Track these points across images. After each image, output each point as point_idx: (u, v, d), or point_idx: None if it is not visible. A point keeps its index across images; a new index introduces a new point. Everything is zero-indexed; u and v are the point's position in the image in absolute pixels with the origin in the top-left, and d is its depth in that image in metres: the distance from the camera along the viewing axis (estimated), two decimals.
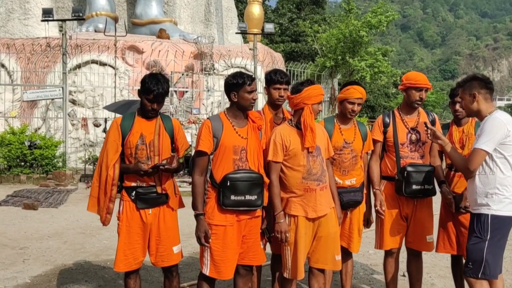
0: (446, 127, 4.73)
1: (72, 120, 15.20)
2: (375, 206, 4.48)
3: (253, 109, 4.00)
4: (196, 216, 3.77)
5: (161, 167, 3.84)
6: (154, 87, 3.82)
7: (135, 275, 4.03)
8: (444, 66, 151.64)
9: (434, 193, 4.54)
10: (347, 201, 4.32)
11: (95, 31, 17.45)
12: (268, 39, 33.22)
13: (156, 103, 3.90)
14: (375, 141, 4.58)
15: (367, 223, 4.57)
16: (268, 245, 4.27)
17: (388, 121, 4.55)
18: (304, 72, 20.39)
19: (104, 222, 3.99)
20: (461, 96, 3.93)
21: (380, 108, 37.32)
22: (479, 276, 3.67)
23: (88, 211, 4.06)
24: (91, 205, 4.01)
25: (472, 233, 3.75)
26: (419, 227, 4.49)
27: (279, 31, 34.79)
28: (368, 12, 27.41)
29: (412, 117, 4.54)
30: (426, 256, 6.22)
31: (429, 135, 4.11)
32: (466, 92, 3.84)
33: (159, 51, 16.21)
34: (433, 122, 4.55)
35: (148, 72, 4.09)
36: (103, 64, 15.63)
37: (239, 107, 3.85)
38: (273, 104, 4.33)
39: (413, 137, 4.47)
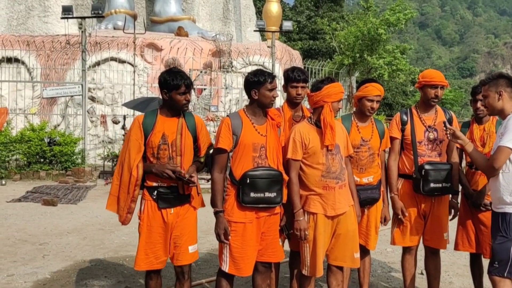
0: (467, 125, 4.71)
1: (91, 117, 15.32)
2: (397, 214, 4.49)
3: (272, 107, 4.00)
4: (216, 213, 3.79)
5: (184, 179, 3.76)
6: (181, 79, 3.77)
7: (157, 276, 3.96)
8: (462, 64, 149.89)
9: (452, 191, 4.52)
10: (364, 198, 4.31)
11: (114, 28, 17.58)
12: (286, 36, 33.15)
13: (189, 94, 3.85)
14: (393, 139, 4.56)
15: (384, 220, 4.56)
16: (286, 242, 4.28)
17: (405, 118, 4.54)
18: (322, 69, 20.32)
19: (124, 222, 3.89)
20: (485, 94, 3.88)
21: (398, 106, 37.05)
22: (505, 275, 3.66)
23: (107, 209, 3.99)
24: (110, 204, 3.94)
25: (498, 232, 3.72)
26: (436, 225, 4.49)
27: (297, 28, 34.67)
28: (387, 10, 27.21)
29: (430, 115, 4.52)
30: (444, 254, 6.18)
31: (448, 135, 4.08)
32: (492, 90, 3.80)
33: (178, 48, 16.27)
34: (450, 120, 4.52)
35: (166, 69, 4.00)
36: (122, 61, 15.73)
37: (260, 105, 3.86)
38: (292, 102, 4.34)
39: (431, 135, 4.46)
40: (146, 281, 3.99)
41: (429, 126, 4.47)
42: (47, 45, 16.14)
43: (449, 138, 4.11)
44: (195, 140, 3.95)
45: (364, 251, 4.48)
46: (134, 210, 3.89)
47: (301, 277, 4.09)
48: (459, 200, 4.63)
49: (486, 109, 4.01)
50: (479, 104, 4.52)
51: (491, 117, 4.55)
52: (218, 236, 3.79)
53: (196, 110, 15.25)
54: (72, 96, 14.89)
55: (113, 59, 15.73)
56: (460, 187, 4.64)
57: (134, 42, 15.03)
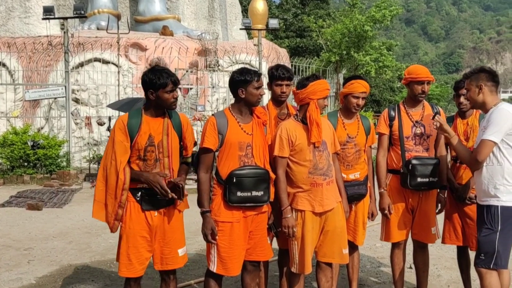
0: (450, 120, 4.76)
1: (75, 119, 15.16)
2: (384, 209, 4.51)
3: (259, 105, 3.96)
4: (202, 213, 3.74)
5: (178, 188, 3.63)
6: (167, 77, 3.64)
7: (137, 284, 3.77)
8: (448, 59, 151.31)
9: (439, 186, 4.56)
10: (351, 194, 4.32)
11: (98, 28, 17.40)
12: (273, 34, 33.15)
13: (175, 92, 3.72)
14: (381, 134, 4.60)
15: (371, 215, 4.56)
16: (275, 240, 4.25)
17: (393, 114, 4.58)
18: (309, 67, 20.31)
19: (112, 229, 3.69)
20: (467, 87, 3.96)
21: (385, 102, 37.23)
22: (491, 266, 3.71)
23: (94, 217, 3.74)
24: (96, 211, 3.70)
25: (483, 225, 3.76)
26: (424, 220, 4.53)
27: (284, 26, 34.68)
28: (372, 6, 27.31)
29: (417, 111, 4.56)
30: (432, 248, 6.19)
31: (435, 125, 4.11)
32: (473, 84, 3.87)
33: (163, 48, 16.15)
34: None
35: None
36: (106, 62, 15.57)
37: (247, 103, 3.82)
38: (276, 100, 4.32)
39: (418, 130, 4.49)
40: None
41: (417, 122, 4.51)
42: (29, 46, 15.92)
43: (436, 128, 4.15)
44: (181, 139, 3.83)
45: (353, 247, 4.48)
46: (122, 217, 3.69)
47: (290, 274, 4.08)
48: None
49: (469, 102, 4.06)
50: (462, 99, 4.57)
51: (474, 111, 4.60)
52: (205, 236, 3.74)
53: (183, 109, 15.14)
54: (55, 98, 14.69)
55: (96, 59, 15.56)
56: None
57: (118, 42, 14.88)
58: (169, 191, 3.59)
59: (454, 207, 4.64)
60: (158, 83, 3.61)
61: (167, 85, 3.63)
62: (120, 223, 3.71)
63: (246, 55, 17.56)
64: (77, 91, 15.32)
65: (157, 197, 3.66)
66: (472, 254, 4.51)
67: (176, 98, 3.72)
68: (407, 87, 4.58)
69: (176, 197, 3.64)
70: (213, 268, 3.78)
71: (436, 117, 4.14)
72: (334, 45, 26.99)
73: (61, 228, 7.89)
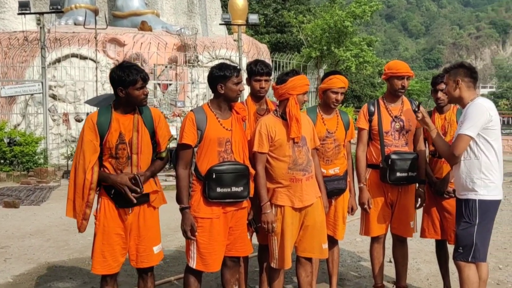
0: (428, 115, 4.75)
1: (52, 116, 14.97)
2: (363, 204, 4.53)
3: (238, 101, 3.94)
4: (182, 210, 3.71)
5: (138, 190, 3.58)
6: (137, 73, 3.57)
7: (113, 281, 3.73)
8: (428, 55, 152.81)
9: (418, 180, 4.59)
10: (331, 189, 4.32)
11: (75, 24, 17.17)
12: (253, 30, 33.05)
13: (146, 88, 3.64)
14: (361, 129, 4.61)
15: (351, 210, 4.58)
16: (254, 235, 4.24)
17: (373, 109, 4.59)
18: (290, 63, 20.33)
19: (80, 228, 3.64)
20: (446, 82, 4.01)
21: (366, 97, 37.43)
22: (470, 259, 3.75)
23: (67, 216, 3.70)
24: (68, 210, 3.66)
25: (461, 219, 3.80)
26: (403, 214, 4.56)
27: (264, 22, 34.60)
28: (352, 2, 27.35)
29: (396, 106, 4.58)
30: (412, 242, 6.24)
31: (418, 117, 4.15)
32: (451, 78, 3.92)
33: (141, 43, 16.02)
34: (415, 111, 4.55)
35: None
36: (83, 57, 15.39)
37: (226, 99, 3.79)
38: (255, 96, 4.30)
39: (397, 125, 4.52)
40: (101, 287, 3.74)
41: (396, 117, 4.53)
42: (4, 42, 15.65)
43: (417, 119, 4.19)
44: (153, 135, 3.74)
45: (332, 242, 4.49)
46: (90, 217, 3.64)
47: (270, 270, 4.08)
48: None
49: (447, 97, 4.10)
50: (439, 94, 4.61)
51: (452, 106, 4.64)
52: (184, 232, 3.72)
53: (162, 105, 15.05)
54: (32, 94, 14.49)
55: (74, 55, 15.37)
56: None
57: (95, 38, 14.70)
58: (131, 196, 3.54)
59: (432, 201, 4.67)
60: (128, 80, 3.53)
61: (137, 82, 3.56)
62: (95, 221, 3.67)
63: (226, 50, 17.51)
64: (54, 87, 15.12)
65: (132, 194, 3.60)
66: (450, 248, 4.56)
67: (146, 95, 3.66)
68: (387, 82, 4.60)
69: (138, 190, 3.57)
70: (193, 264, 3.76)
71: (420, 108, 4.17)
72: (314, 40, 27.02)
73: (39, 226, 7.78)
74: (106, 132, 3.58)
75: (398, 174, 4.39)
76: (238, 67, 3.87)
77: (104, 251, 3.63)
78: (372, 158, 4.58)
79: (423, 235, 4.79)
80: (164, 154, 3.83)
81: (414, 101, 4.70)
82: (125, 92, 3.57)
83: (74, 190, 3.61)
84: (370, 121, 4.57)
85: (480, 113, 3.69)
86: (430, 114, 4.76)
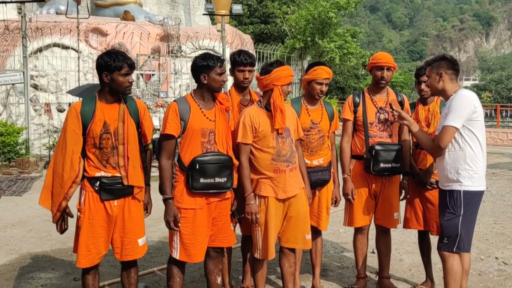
0: (412, 107, 4.83)
1: (34, 106, 14.79)
2: (347, 194, 4.54)
3: (222, 91, 3.92)
4: (165, 200, 3.70)
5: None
6: (123, 60, 3.54)
7: (95, 271, 3.71)
8: (412, 47, 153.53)
9: (402, 172, 4.60)
10: (315, 180, 4.33)
11: (57, 13, 16.93)
12: (237, 20, 32.91)
13: (131, 76, 3.61)
14: (346, 120, 4.62)
15: (335, 202, 4.58)
16: (238, 226, 4.24)
17: (358, 100, 4.60)
18: (273, 54, 20.28)
19: (53, 219, 3.61)
20: (428, 75, 4.01)
21: (350, 89, 37.48)
22: (454, 250, 3.78)
23: (40, 205, 3.64)
24: (43, 198, 3.60)
25: (446, 209, 3.82)
26: (387, 205, 4.58)
27: (248, 12, 34.42)
28: None
29: (381, 97, 4.59)
30: (395, 233, 6.30)
31: (395, 116, 4.17)
32: (434, 71, 3.93)
33: (124, 33, 15.86)
34: (401, 103, 4.64)
35: None
36: (65, 47, 15.20)
37: (209, 89, 3.77)
38: (239, 86, 4.30)
39: (382, 116, 4.53)
40: (83, 278, 3.71)
41: (381, 108, 4.55)
42: None
43: (395, 119, 4.19)
44: (139, 126, 3.72)
45: (316, 232, 4.52)
46: (65, 207, 3.58)
47: (254, 260, 4.08)
48: None
49: (429, 89, 4.12)
50: (423, 86, 4.62)
51: (436, 97, 4.66)
52: (167, 223, 3.71)
53: (145, 96, 14.95)
54: (13, 84, 14.27)
55: (56, 45, 15.16)
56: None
57: (77, 27, 14.52)
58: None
59: (416, 192, 4.70)
60: (113, 65, 3.51)
61: (123, 67, 3.53)
62: (79, 214, 3.62)
63: (210, 41, 17.40)
64: (36, 77, 14.94)
65: (117, 186, 3.58)
66: (433, 239, 4.62)
67: (131, 83, 3.63)
68: (370, 73, 4.62)
69: None
70: (176, 255, 3.75)
71: (393, 108, 4.20)
72: (298, 31, 26.96)
73: (21, 216, 7.71)
74: (90, 122, 3.53)
75: (382, 165, 4.41)
76: (221, 58, 3.85)
77: (89, 244, 3.59)
78: (357, 149, 4.59)
79: (406, 225, 4.82)
80: (150, 146, 3.82)
81: (399, 93, 4.72)
82: (110, 77, 3.54)
83: (53, 179, 3.56)
84: (355, 112, 4.57)
85: (465, 105, 3.71)
86: (414, 105, 4.79)
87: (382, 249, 4.71)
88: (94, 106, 3.57)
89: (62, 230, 3.70)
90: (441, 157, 3.87)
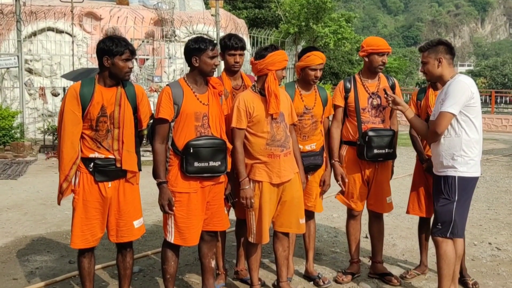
0: (423, 91, 4.75)
1: (29, 90, 14.74)
2: (337, 180, 4.55)
3: (213, 75, 3.92)
4: (159, 184, 3.71)
5: None
6: (125, 45, 3.56)
7: (90, 254, 3.73)
8: (407, 32, 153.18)
9: (395, 157, 4.62)
10: (307, 164, 4.34)
11: None
12: (231, 5, 32.70)
13: (131, 62, 3.62)
14: (336, 106, 4.59)
15: (323, 184, 4.54)
16: (232, 210, 4.26)
17: (349, 86, 4.57)
18: (268, 38, 20.18)
19: (58, 201, 3.68)
20: (425, 60, 3.95)
21: (344, 75, 37.41)
22: (448, 235, 3.79)
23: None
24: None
25: (440, 195, 3.83)
26: (380, 190, 4.58)
27: None
28: None
29: (373, 82, 4.57)
30: (388, 218, 6.36)
31: (389, 101, 4.14)
32: (432, 57, 3.87)
33: (118, 17, 15.77)
34: (393, 87, 4.60)
35: None
36: (59, 31, 15.11)
37: (201, 73, 3.77)
38: (230, 70, 4.29)
39: (374, 102, 4.51)
40: (79, 260, 3.74)
41: (373, 93, 4.52)
42: None
43: (389, 105, 4.17)
44: (135, 111, 3.72)
45: (309, 217, 4.53)
46: (67, 190, 3.60)
47: (248, 244, 4.11)
48: (400, 165, 4.73)
49: (425, 75, 4.08)
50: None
51: None
52: (162, 207, 3.72)
53: (139, 81, 14.90)
54: (8, 68, 14.20)
55: (50, 29, 15.08)
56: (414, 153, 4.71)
57: (71, 11, 14.43)
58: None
59: (422, 179, 4.67)
60: (115, 49, 3.52)
61: (124, 52, 3.55)
62: (73, 194, 3.64)
63: (204, 25, 17.33)
64: (30, 61, 14.87)
65: (110, 168, 3.60)
66: None
67: (130, 69, 3.64)
68: (365, 59, 4.55)
69: None
70: (171, 238, 3.77)
71: (387, 93, 4.17)
72: (293, 16, 26.85)
73: (16, 200, 7.73)
74: (88, 104, 3.54)
75: (376, 151, 4.41)
76: (214, 41, 3.84)
77: (83, 225, 3.62)
78: (349, 135, 4.57)
79: (408, 211, 4.81)
80: (145, 132, 3.82)
81: (390, 78, 4.71)
82: (111, 62, 3.54)
83: (59, 162, 3.61)
84: (346, 98, 4.54)
85: (462, 91, 3.69)
86: (425, 90, 4.72)
87: (375, 234, 4.73)
88: (93, 89, 3.58)
89: None
90: (436, 143, 3.85)
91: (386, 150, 4.45)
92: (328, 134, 4.59)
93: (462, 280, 4.32)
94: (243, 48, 4.22)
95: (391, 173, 4.70)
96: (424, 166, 4.60)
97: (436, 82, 4.33)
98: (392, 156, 4.56)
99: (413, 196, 4.77)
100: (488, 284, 4.61)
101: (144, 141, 4.00)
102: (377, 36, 5.03)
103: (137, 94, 3.73)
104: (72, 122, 3.54)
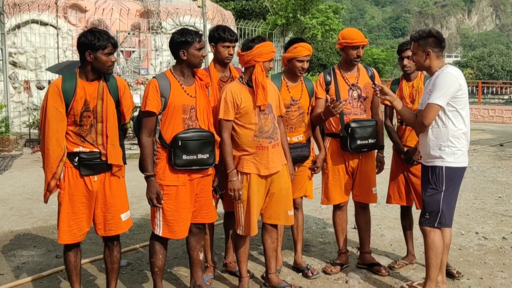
0: (396, 83, 4.81)
1: (13, 83, 14.57)
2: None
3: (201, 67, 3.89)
4: (147, 178, 3.68)
5: None
6: (108, 39, 3.50)
7: (76, 249, 3.69)
8: (394, 24, 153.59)
9: (379, 147, 4.64)
10: (295, 156, 4.33)
11: None
12: None
13: (113, 56, 3.56)
14: (318, 99, 4.56)
15: (314, 163, 4.55)
16: (220, 203, 4.25)
17: (329, 78, 4.57)
18: (255, 30, 20.13)
19: (44, 199, 3.62)
20: (414, 51, 3.95)
21: (332, 66, 37.51)
22: (436, 225, 3.82)
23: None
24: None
25: (428, 185, 3.85)
26: (365, 180, 4.60)
27: None
28: None
29: (352, 74, 4.58)
30: (376, 209, 6.39)
31: (377, 92, 4.12)
32: (420, 48, 3.87)
33: (103, 9, 15.61)
34: (372, 77, 4.62)
35: None
36: (44, 24, 14.93)
37: (189, 65, 3.74)
38: (222, 62, 4.26)
39: (355, 93, 4.52)
40: (65, 255, 3.69)
41: (353, 85, 4.53)
42: None
43: (377, 95, 4.16)
44: (118, 104, 3.67)
45: (297, 208, 4.52)
46: (55, 187, 3.55)
47: (236, 236, 4.10)
48: (389, 154, 4.74)
49: (414, 64, 4.09)
50: (405, 62, 4.61)
51: (419, 73, 4.66)
52: (150, 200, 3.70)
53: (125, 73, 14.79)
54: None
55: (34, 21, 14.90)
56: (390, 143, 4.75)
57: (56, 3, 14.27)
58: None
59: (400, 168, 4.73)
60: (98, 44, 3.46)
61: (107, 47, 3.49)
62: (58, 189, 3.59)
63: (190, 17, 17.22)
64: (15, 54, 14.70)
65: (96, 162, 3.56)
66: (415, 214, 4.67)
67: (113, 62, 3.58)
68: (342, 52, 4.56)
69: None
70: (159, 231, 3.76)
71: (377, 83, 4.17)
72: (280, 7, 26.80)
73: (1, 195, 7.66)
74: (72, 99, 3.49)
75: (359, 142, 4.42)
76: (200, 33, 3.81)
77: (70, 220, 3.58)
78: (331, 127, 4.57)
79: (388, 201, 4.87)
80: (129, 125, 3.79)
81: (369, 68, 4.71)
82: (93, 56, 3.48)
83: (44, 160, 3.54)
84: (327, 90, 4.53)
85: (450, 83, 3.70)
86: (398, 82, 4.78)
87: (362, 224, 4.74)
88: (75, 84, 3.51)
89: None
90: (424, 133, 3.87)
91: (369, 140, 4.47)
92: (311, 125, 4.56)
93: (446, 270, 4.35)
94: (236, 40, 4.21)
95: (383, 164, 4.71)
96: (402, 156, 4.64)
97: (423, 71, 4.36)
98: (375, 146, 4.57)
99: (392, 186, 4.82)
100: (475, 273, 4.64)
101: (131, 135, 3.96)
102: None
103: (119, 87, 3.68)
104: (56, 119, 3.48)
